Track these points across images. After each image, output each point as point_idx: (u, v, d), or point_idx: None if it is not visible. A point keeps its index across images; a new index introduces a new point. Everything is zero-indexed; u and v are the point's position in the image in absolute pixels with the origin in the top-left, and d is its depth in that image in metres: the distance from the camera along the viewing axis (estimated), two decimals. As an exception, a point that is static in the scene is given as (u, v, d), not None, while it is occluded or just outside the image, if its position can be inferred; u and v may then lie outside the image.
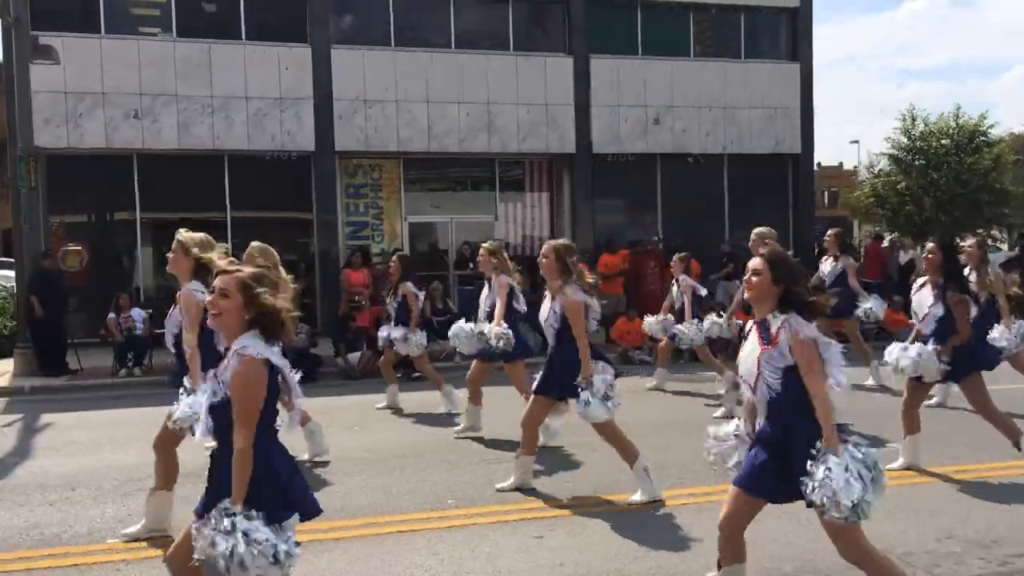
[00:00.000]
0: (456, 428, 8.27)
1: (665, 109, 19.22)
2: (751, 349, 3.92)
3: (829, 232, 10.57)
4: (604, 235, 18.01)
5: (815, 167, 22.71)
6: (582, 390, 5.81)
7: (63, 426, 9.21)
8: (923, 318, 6.41)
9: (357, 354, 12.67)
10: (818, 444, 3.68)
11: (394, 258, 9.99)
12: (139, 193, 16.49)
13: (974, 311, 6.52)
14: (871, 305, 9.98)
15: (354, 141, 17.33)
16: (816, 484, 3.60)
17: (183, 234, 5.41)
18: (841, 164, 54.89)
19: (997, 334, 8.17)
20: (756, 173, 20.03)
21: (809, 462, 3.66)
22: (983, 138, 20.93)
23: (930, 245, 6.54)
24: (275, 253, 5.94)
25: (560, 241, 6.31)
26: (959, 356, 6.26)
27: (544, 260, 6.06)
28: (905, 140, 20.99)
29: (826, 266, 10.29)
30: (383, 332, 9.68)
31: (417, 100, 17.63)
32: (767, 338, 3.82)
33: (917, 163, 20.62)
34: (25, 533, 5.53)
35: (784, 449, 3.78)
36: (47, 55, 13.38)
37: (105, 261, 16.79)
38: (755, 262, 3.93)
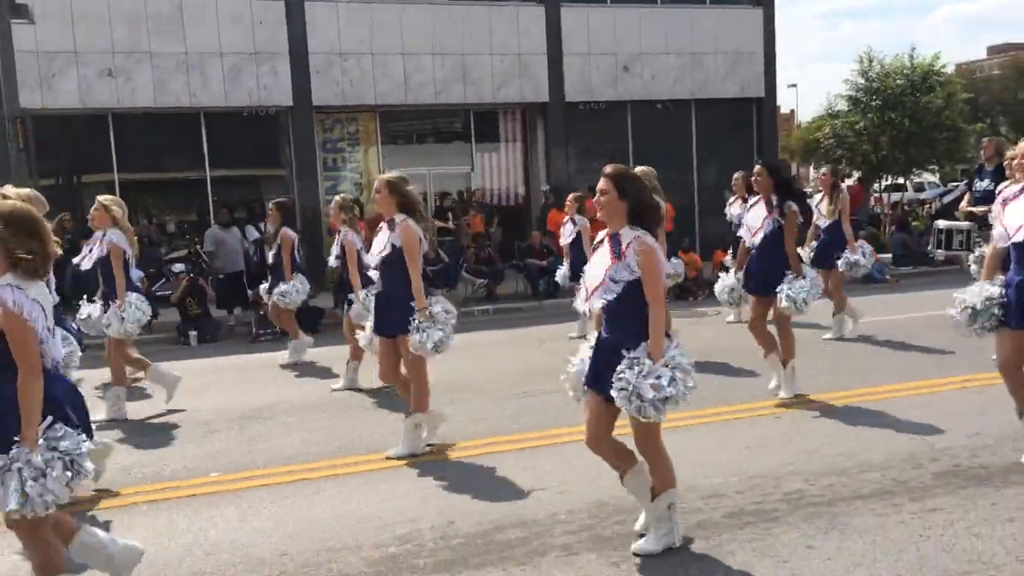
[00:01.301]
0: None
1: (634, 57, 19.54)
2: (600, 260, 4.11)
3: (823, 170, 10.66)
4: (589, 182, 18.29)
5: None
6: (417, 324, 5.75)
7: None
8: (754, 232, 6.91)
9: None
10: (642, 347, 3.93)
11: (271, 206, 9.84)
12: (116, 154, 16.39)
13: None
14: (858, 258, 9.49)
15: (331, 95, 17.36)
16: (621, 382, 3.89)
17: None
18: (779, 107, 55.79)
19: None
20: (722, 118, 20.53)
21: (624, 362, 3.92)
22: (936, 77, 21.74)
23: (757, 168, 7.06)
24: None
25: (394, 174, 6.18)
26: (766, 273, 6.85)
27: (378, 195, 5.98)
28: (863, 81, 21.70)
29: (822, 206, 9.62)
30: (266, 286, 9.80)
31: (392, 53, 17.68)
32: (617, 252, 4.02)
33: (874, 103, 21.35)
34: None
35: (618, 353, 3.99)
36: (22, 14, 13.18)
37: (83, 223, 16.71)
38: (600, 182, 4.11)
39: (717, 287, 7.73)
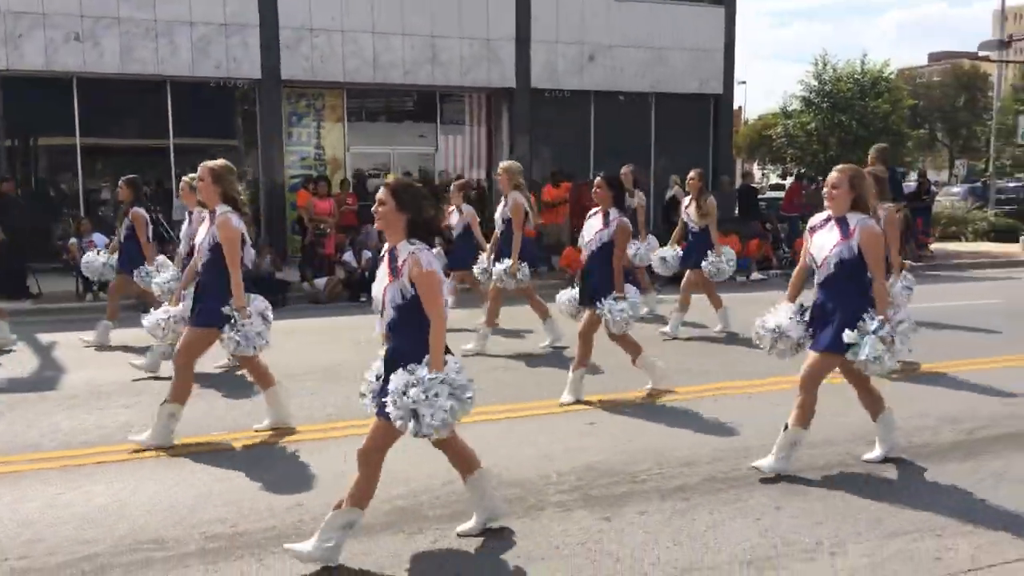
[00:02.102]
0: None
1: (601, 47, 19.95)
2: (381, 278, 4.01)
3: (692, 174, 9.81)
4: (553, 167, 18.60)
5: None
6: (232, 323, 5.64)
7: (73, 344, 9.45)
8: (588, 241, 6.85)
9: (324, 279, 13.18)
10: (424, 363, 3.85)
11: (121, 183, 9.31)
12: (79, 118, 16.24)
13: None
14: (721, 264, 9.58)
15: (300, 70, 17.40)
16: (397, 400, 3.79)
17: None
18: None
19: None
20: (681, 112, 21.08)
21: (396, 377, 3.83)
22: (884, 83, 22.64)
23: (598, 180, 6.87)
24: None
25: (219, 162, 5.84)
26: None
27: (201, 183, 5.74)
28: (816, 83, 22.49)
29: (691, 210, 9.73)
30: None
31: (363, 31, 17.79)
32: (393, 269, 3.91)
33: (825, 105, 22.15)
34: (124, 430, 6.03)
35: (397, 368, 3.90)
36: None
37: (43, 185, 16.60)
38: (380, 192, 3.98)
39: (559, 297, 7.30)
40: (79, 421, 6.44)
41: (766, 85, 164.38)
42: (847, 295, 4.95)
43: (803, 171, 23.33)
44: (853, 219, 4.96)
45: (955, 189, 30.58)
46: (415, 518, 4.53)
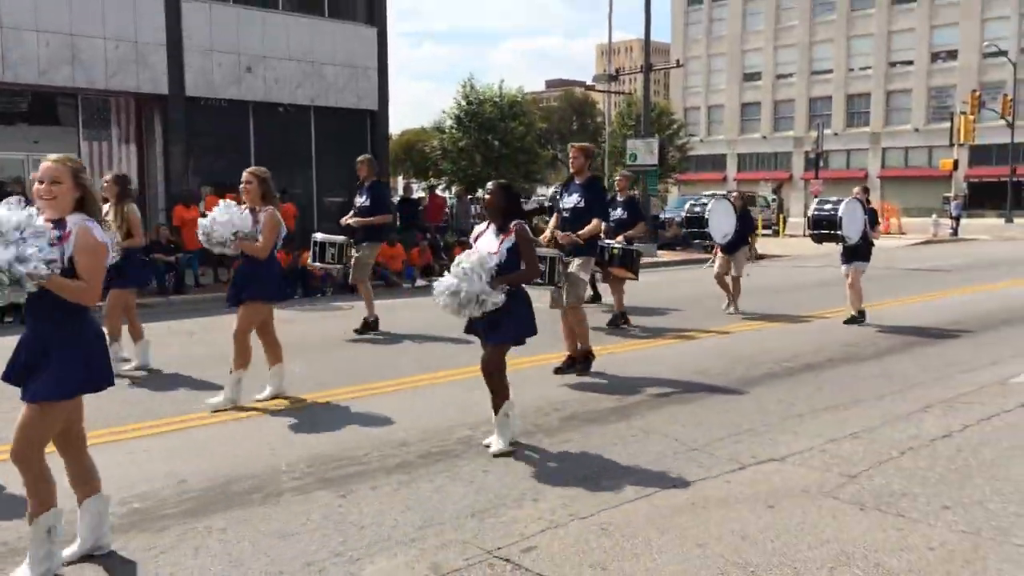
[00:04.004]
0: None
1: (258, 59, 19.87)
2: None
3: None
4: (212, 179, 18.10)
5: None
6: None
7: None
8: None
9: None
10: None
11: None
12: None
13: None
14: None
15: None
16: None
17: None
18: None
19: None
20: (340, 126, 21.69)
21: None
22: (520, 106, 25.20)
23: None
24: None
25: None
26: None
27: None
28: (465, 104, 24.37)
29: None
30: None
31: (-13, 23, 16.00)
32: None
33: (472, 125, 24.11)
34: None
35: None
36: None
37: None
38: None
39: None
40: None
41: (403, 101, 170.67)
42: None
43: (455, 186, 25.21)
44: None
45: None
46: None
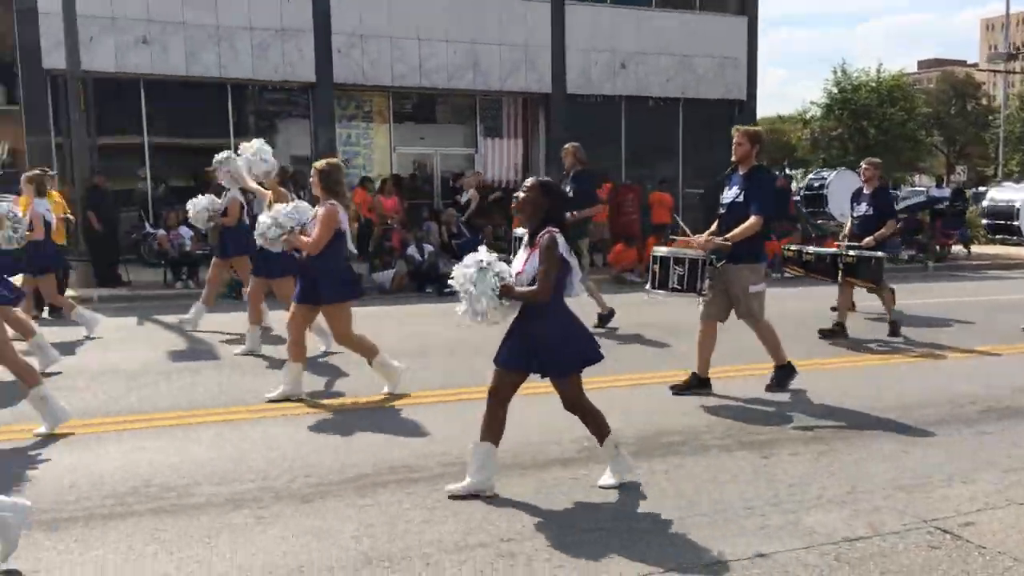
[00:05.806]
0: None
1: (631, 55, 20.81)
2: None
3: None
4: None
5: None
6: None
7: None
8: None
9: (391, 272, 13.91)
10: None
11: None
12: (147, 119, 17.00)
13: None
14: None
15: (351, 74, 18.19)
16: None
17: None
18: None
19: None
20: (707, 117, 21.95)
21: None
22: (900, 91, 23.62)
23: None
24: None
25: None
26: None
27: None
28: (836, 91, 23.43)
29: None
30: None
31: (409, 37, 18.58)
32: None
33: (844, 113, 23.08)
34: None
35: None
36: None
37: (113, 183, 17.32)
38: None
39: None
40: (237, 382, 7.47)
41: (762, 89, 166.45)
42: None
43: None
44: None
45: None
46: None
